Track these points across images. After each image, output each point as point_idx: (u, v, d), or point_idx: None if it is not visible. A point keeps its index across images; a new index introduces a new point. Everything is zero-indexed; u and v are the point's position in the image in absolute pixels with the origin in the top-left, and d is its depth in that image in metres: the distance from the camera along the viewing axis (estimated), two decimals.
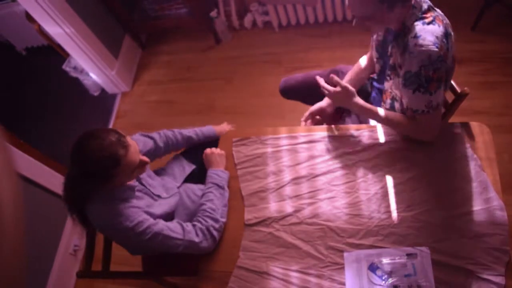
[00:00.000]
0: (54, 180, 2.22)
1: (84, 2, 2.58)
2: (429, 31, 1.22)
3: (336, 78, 1.44)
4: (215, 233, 1.38)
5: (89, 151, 1.18)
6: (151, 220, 1.30)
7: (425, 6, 1.27)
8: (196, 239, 1.34)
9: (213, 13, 2.84)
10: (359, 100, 1.44)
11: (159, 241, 1.30)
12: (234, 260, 1.38)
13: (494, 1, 2.32)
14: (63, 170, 2.31)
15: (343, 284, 1.26)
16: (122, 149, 1.20)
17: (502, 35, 2.47)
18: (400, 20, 1.29)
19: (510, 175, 1.98)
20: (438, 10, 1.31)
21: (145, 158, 1.32)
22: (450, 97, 1.49)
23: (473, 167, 1.36)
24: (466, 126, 1.45)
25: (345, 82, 1.67)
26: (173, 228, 1.32)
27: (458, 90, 1.44)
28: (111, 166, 1.19)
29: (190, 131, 1.73)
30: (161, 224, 1.31)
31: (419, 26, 1.24)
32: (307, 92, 1.80)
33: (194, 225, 1.36)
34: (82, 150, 1.19)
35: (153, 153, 1.61)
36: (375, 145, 1.48)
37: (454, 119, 1.55)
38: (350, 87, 1.43)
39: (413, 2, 1.25)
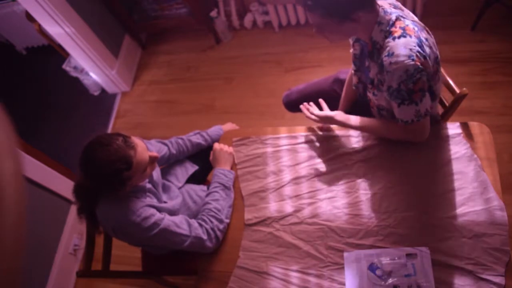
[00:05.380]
0: (54, 180, 2.23)
1: (84, 2, 2.58)
2: (401, 46, 1.18)
3: (312, 109, 1.53)
4: (219, 233, 1.39)
5: (98, 160, 1.17)
6: (158, 215, 1.30)
7: (393, 18, 1.23)
8: (204, 236, 1.35)
9: (213, 13, 2.84)
10: (341, 118, 1.47)
11: (165, 237, 1.31)
12: (234, 260, 1.38)
13: (494, 1, 2.32)
14: (63, 170, 2.32)
15: (343, 284, 1.26)
16: (130, 150, 1.20)
17: (502, 35, 2.47)
18: (365, 33, 1.27)
19: (510, 175, 1.98)
20: (408, 17, 1.26)
21: (154, 154, 1.32)
22: (449, 97, 1.49)
23: (473, 167, 1.36)
24: (466, 126, 1.45)
25: (342, 98, 1.70)
26: (179, 224, 1.33)
27: (457, 90, 1.44)
28: (124, 169, 1.19)
29: (198, 137, 1.73)
30: (167, 220, 1.31)
31: (390, 43, 1.20)
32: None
33: (200, 224, 1.37)
34: (91, 161, 1.19)
35: (166, 159, 1.64)
36: (375, 145, 1.48)
37: (454, 119, 1.55)
38: (324, 113, 1.48)
39: (378, 18, 1.23)
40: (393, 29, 1.22)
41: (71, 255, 2.30)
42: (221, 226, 1.40)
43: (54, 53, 2.96)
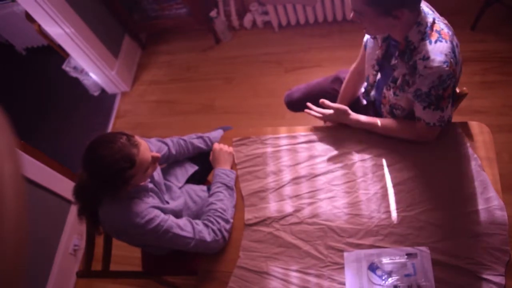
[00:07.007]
0: (54, 180, 2.23)
1: (84, 2, 2.58)
2: (437, 51, 1.18)
3: (326, 102, 1.48)
4: (226, 234, 1.39)
5: (102, 158, 1.17)
6: (162, 217, 1.30)
7: (430, 20, 1.23)
8: (208, 239, 1.34)
9: (213, 13, 2.84)
10: (354, 115, 1.48)
11: (168, 239, 1.30)
12: (234, 260, 1.38)
13: (494, 1, 2.32)
14: (63, 170, 2.32)
15: (343, 284, 1.26)
16: (134, 148, 1.20)
17: (502, 35, 2.47)
18: (401, 32, 1.25)
19: (510, 175, 1.98)
20: (441, 19, 1.27)
21: (156, 154, 1.32)
22: None
23: (473, 167, 1.36)
24: (466, 126, 1.45)
25: (339, 98, 1.70)
26: (183, 227, 1.33)
27: (457, 90, 1.44)
28: (127, 167, 1.19)
29: (201, 142, 1.72)
30: (171, 222, 1.31)
31: (427, 46, 1.20)
32: (312, 103, 1.83)
33: (206, 225, 1.37)
34: (95, 158, 1.19)
35: (166, 158, 1.64)
36: (375, 145, 1.48)
37: (454, 119, 1.55)
38: (341, 106, 1.47)
39: (419, 19, 1.22)
40: (430, 31, 1.22)
41: (71, 255, 2.30)
42: (227, 226, 1.40)
43: (54, 53, 2.96)
